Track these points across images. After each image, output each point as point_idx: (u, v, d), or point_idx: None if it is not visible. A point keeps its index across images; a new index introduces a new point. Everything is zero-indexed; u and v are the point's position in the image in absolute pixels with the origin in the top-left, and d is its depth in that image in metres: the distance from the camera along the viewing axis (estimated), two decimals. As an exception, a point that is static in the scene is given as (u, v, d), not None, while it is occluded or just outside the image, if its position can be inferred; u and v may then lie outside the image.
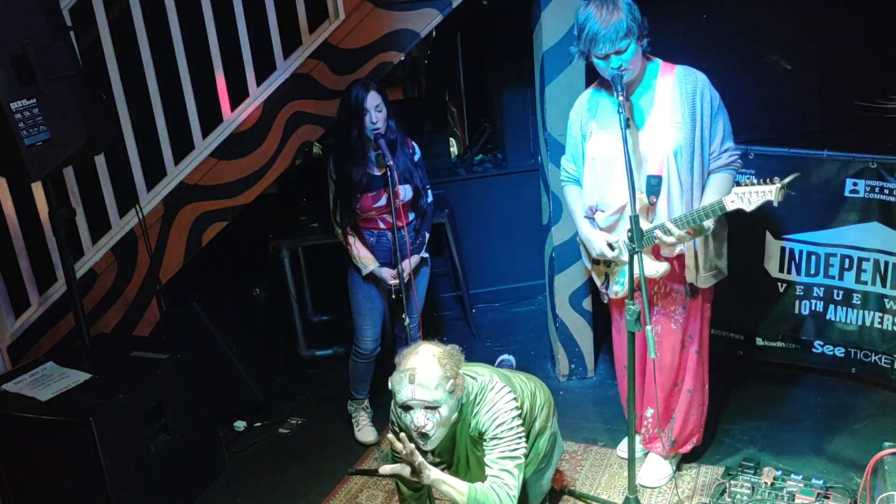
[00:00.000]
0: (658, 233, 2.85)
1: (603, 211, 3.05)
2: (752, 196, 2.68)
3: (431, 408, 2.53)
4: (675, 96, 2.89)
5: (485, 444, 2.66)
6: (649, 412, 3.30)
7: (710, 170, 2.96)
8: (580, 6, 2.84)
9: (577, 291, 4.08)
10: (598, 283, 3.24)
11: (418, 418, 2.54)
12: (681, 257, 3.02)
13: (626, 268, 2.88)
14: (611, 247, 3.03)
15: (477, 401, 2.66)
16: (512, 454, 2.63)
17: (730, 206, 2.73)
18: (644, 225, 2.86)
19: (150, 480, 3.21)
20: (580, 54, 2.88)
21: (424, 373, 2.52)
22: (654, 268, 2.97)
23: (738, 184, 2.78)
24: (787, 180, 2.66)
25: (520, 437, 2.66)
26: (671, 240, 2.85)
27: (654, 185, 2.90)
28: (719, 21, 4.69)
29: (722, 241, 3.10)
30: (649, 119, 2.92)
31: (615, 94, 2.76)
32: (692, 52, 4.17)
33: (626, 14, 2.75)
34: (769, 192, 2.66)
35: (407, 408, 2.56)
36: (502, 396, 2.67)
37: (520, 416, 2.69)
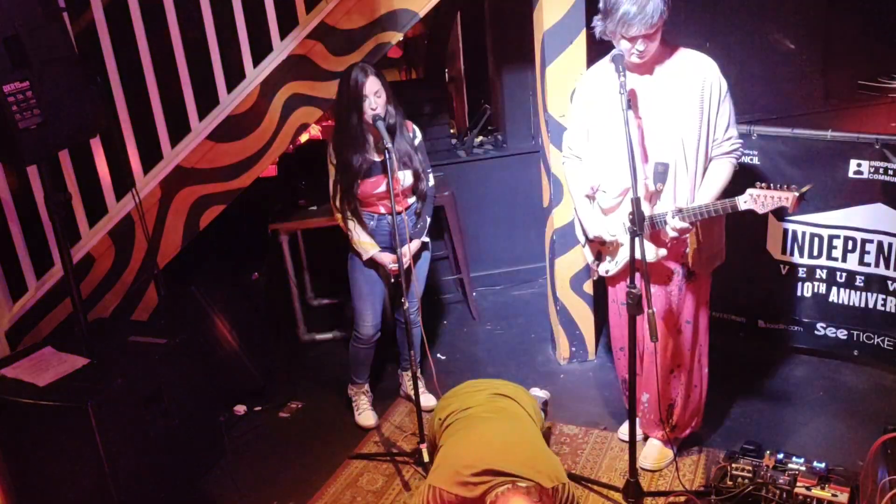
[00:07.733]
0: (667, 228, 2.82)
1: (606, 192, 3.02)
2: (768, 200, 2.66)
3: None
4: (683, 82, 2.85)
5: None
6: (645, 397, 3.29)
7: (711, 156, 2.92)
8: None
9: (577, 274, 4.06)
10: (590, 259, 3.22)
11: None
12: (681, 240, 2.99)
13: (626, 250, 2.85)
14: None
15: None
16: None
17: (742, 207, 2.71)
18: (646, 210, 2.82)
19: (149, 466, 3.20)
20: (604, 33, 2.82)
21: None
22: (653, 252, 2.94)
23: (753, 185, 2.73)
24: (804, 189, 2.66)
25: None
26: (673, 234, 2.82)
27: (661, 173, 2.86)
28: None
29: (721, 227, 3.08)
30: (658, 105, 2.87)
31: (618, 75, 2.72)
32: (695, 30, 4.12)
33: None
34: (785, 199, 2.64)
35: None
36: None
37: None
